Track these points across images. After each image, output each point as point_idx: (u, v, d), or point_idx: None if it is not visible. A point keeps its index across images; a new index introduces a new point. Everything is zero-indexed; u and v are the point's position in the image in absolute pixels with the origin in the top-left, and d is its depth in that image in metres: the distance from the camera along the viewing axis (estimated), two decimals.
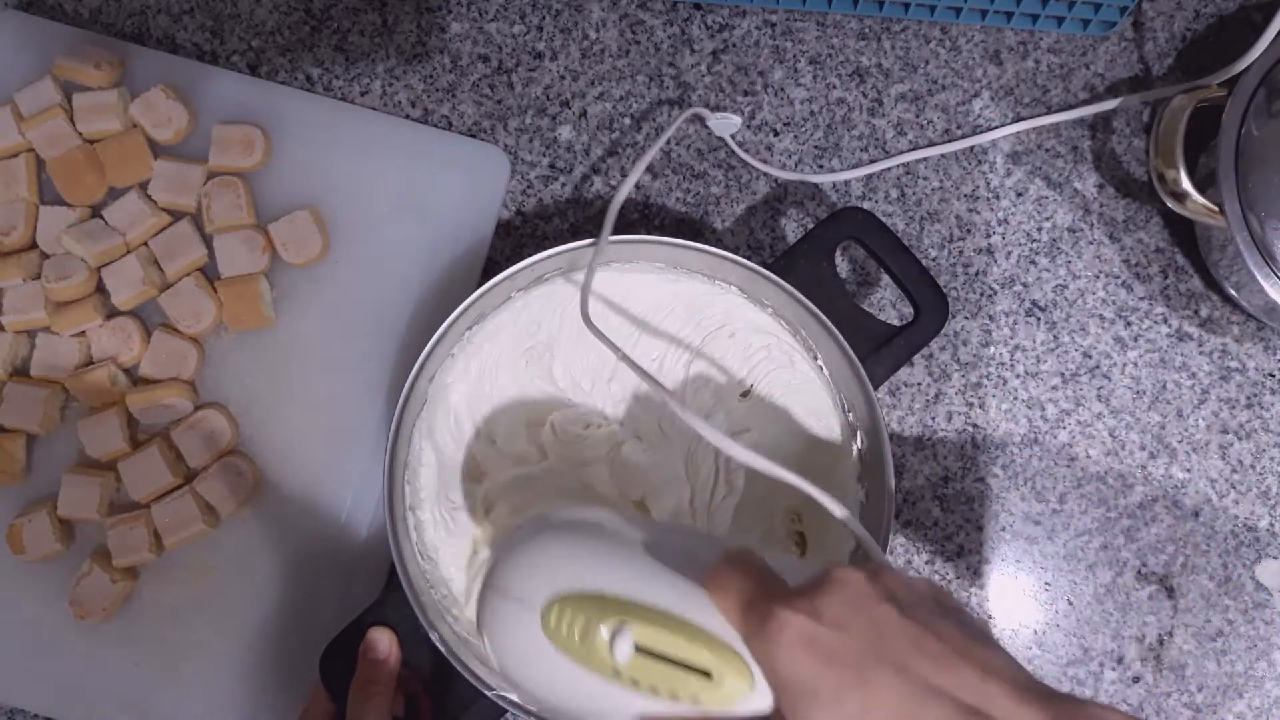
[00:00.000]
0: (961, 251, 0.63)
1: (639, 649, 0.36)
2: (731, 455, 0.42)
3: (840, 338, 0.52)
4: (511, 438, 0.56)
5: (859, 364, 0.52)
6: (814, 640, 0.33)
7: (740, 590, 0.35)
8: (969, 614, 0.36)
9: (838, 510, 0.40)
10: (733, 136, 0.63)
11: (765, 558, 0.37)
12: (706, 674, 0.35)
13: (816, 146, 0.64)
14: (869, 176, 0.63)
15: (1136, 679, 0.60)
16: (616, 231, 0.63)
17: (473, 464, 0.56)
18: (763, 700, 0.35)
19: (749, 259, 0.53)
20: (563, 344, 0.57)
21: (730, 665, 0.35)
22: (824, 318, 0.53)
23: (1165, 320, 0.62)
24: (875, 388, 0.52)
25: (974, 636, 0.33)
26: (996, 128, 0.64)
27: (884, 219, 0.56)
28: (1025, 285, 0.63)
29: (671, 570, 0.37)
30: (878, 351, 0.55)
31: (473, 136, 0.64)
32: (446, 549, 0.55)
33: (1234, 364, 0.62)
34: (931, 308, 0.55)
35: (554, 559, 0.39)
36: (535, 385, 0.57)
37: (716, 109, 0.64)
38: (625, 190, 0.53)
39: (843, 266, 0.63)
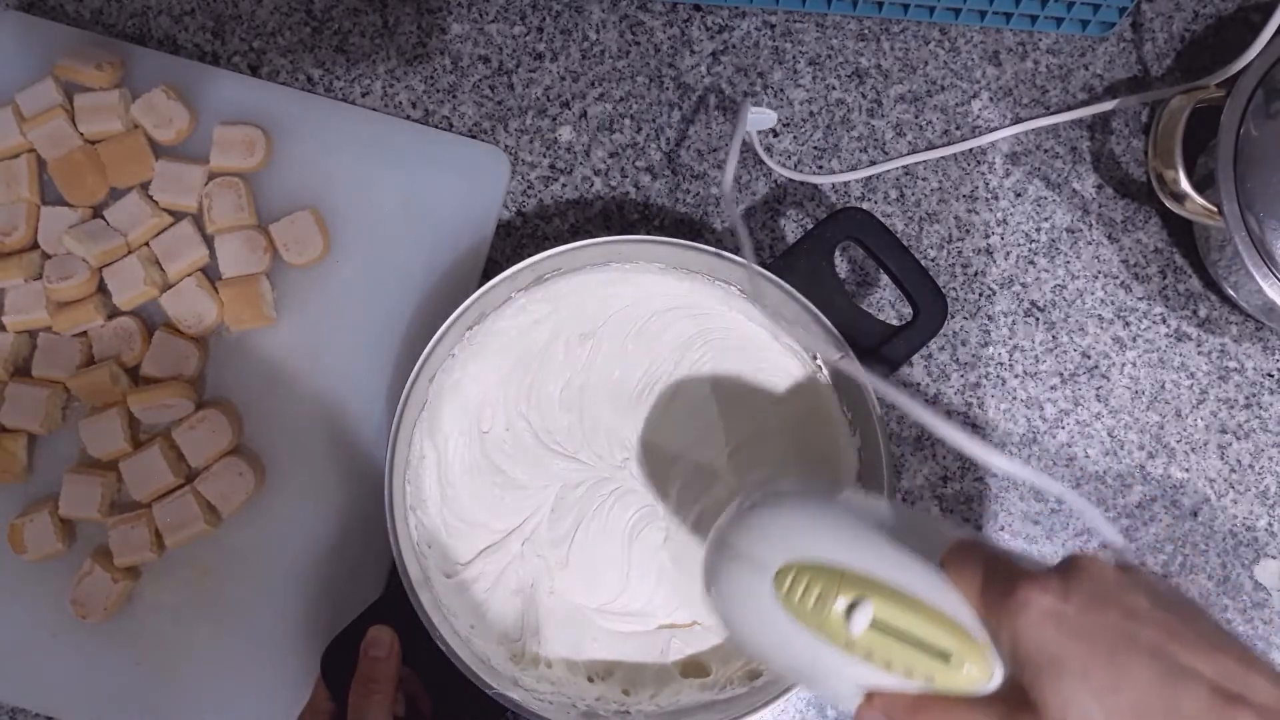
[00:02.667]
0: (960, 252, 0.63)
1: (876, 624, 0.36)
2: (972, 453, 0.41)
3: (840, 337, 0.53)
4: (514, 435, 0.57)
5: (860, 365, 0.52)
6: (1061, 616, 0.33)
7: (979, 571, 0.36)
8: (1219, 621, 0.36)
9: (1114, 537, 0.40)
10: (767, 153, 0.63)
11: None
12: (945, 656, 0.36)
13: (816, 147, 0.64)
14: (868, 177, 0.64)
15: None
16: (617, 233, 0.63)
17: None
18: (995, 684, 0.36)
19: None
20: (565, 343, 0.57)
21: (970, 649, 0.36)
22: (823, 317, 0.53)
23: (1164, 320, 0.62)
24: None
25: (1224, 633, 0.33)
26: (995, 129, 0.64)
27: (883, 219, 0.56)
28: (1024, 285, 0.63)
29: (908, 550, 0.38)
30: (877, 351, 0.55)
31: (473, 137, 0.64)
32: (449, 550, 0.55)
33: (1232, 364, 0.62)
34: (930, 308, 0.55)
35: (790, 527, 0.40)
36: (537, 384, 0.57)
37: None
38: (730, 175, 0.54)
39: (841, 266, 0.63)
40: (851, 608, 0.37)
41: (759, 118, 0.62)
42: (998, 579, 0.35)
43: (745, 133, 0.62)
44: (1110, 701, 0.31)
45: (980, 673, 0.35)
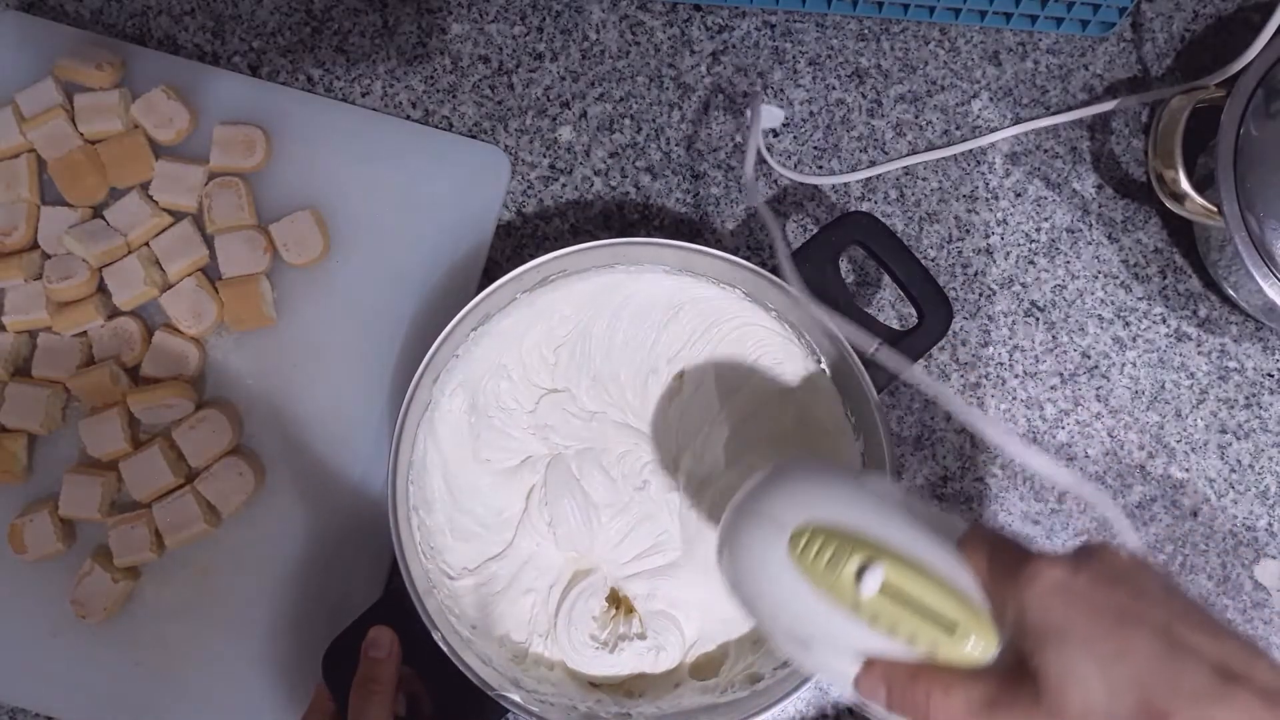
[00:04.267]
0: (960, 252, 0.63)
1: (885, 589, 0.37)
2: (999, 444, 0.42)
3: (844, 342, 0.53)
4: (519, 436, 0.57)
5: (863, 369, 0.52)
6: (1068, 589, 0.33)
7: (993, 546, 0.36)
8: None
9: (1132, 538, 0.41)
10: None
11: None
12: (951, 627, 0.36)
13: (816, 147, 0.64)
14: (869, 177, 0.64)
15: None
16: (616, 233, 0.63)
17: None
18: (990, 660, 0.36)
19: (749, 259, 0.54)
20: (568, 342, 0.57)
21: (976, 623, 0.36)
22: (828, 322, 0.53)
23: (1164, 320, 0.62)
24: (878, 392, 0.53)
25: (1232, 627, 0.34)
26: (995, 129, 0.64)
27: (883, 220, 0.56)
28: (1024, 285, 0.63)
29: (923, 525, 0.38)
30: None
31: (473, 137, 0.64)
32: (453, 552, 0.55)
33: (1232, 364, 0.62)
34: (935, 313, 0.55)
35: (811, 490, 0.40)
36: (540, 385, 0.57)
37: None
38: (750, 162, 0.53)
39: (843, 267, 0.63)
40: (863, 571, 0.37)
41: (769, 114, 0.62)
42: (1009, 557, 0.36)
43: (764, 129, 0.62)
44: (1112, 672, 0.31)
45: (983, 647, 0.36)
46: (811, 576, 0.38)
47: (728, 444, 0.56)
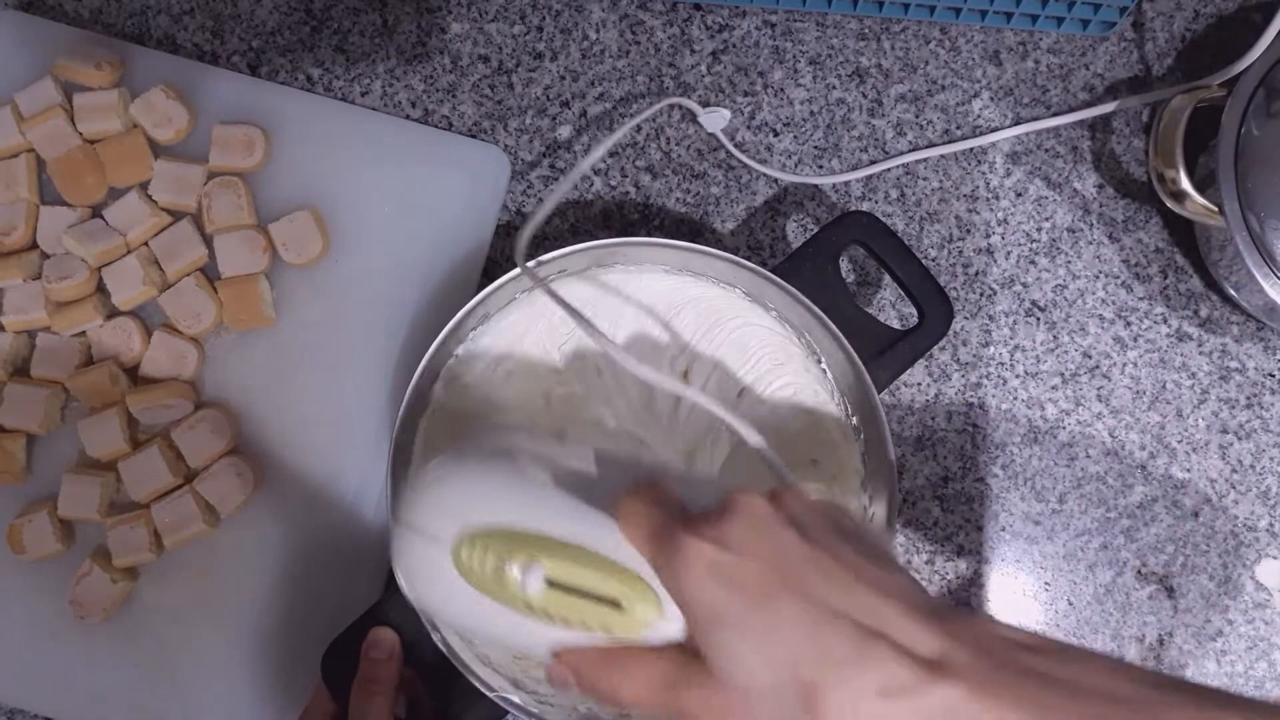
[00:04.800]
0: (961, 252, 0.63)
1: (551, 583, 0.36)
2: (671, 390, 0.42)
3: (845, 342, 0.53)
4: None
5: (863, 369, 0.52)
6: (719, 568, 0.34)
7: (648, 519, 0.37)
8: (869, 534, 0.37)
9: (752, 437, 0.41)
10: (730, 136, 0.63)
11: (681, 476, 0.38)
12: (616, 604, 0.36)
13: (816, 147, 0.64)
14: (869, 177, 0.64)
15: None
16: (616, 233, 0.63)
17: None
18: (673, 626, 0.36)
19: (749, 259, 0.53)
20: (568, 342, 0.57)
21: (639, 594, 0.36)
22: (829, 322, 0.53)
23: (1165, 320, 0.62)
24: (879, 391, 0.52)
25: (871, 558, 0.35)
26: (996, 128, 0.64)
27: (884, 219, 0.56)
28: (1025, 285, 0.63)
29: (580, 502, 0.38)
30: (881, 355, 0.55)
31: (473, 137, 0.64)
32: None
33: (1234, 364, 0.62)
34: (936, 313, 0.55)
35: (462, 494, 0.39)
36: (541, 385, 0.57)
37: (709, 105, 0.64)
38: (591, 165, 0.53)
39: (843, 267, 0.63)
40: (526, 571, 0.37)
41: (712, 118, 0.62)
42: (666, 527, 0.36)
43: (715, 133, 0.63)
44: (766, 650, 0.32)
45: (650, 611, 0.36)
46: (482, 588, 0.37)
47: (736, 447, 0.56)
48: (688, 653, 0.35)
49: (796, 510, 0.36)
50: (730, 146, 0.63)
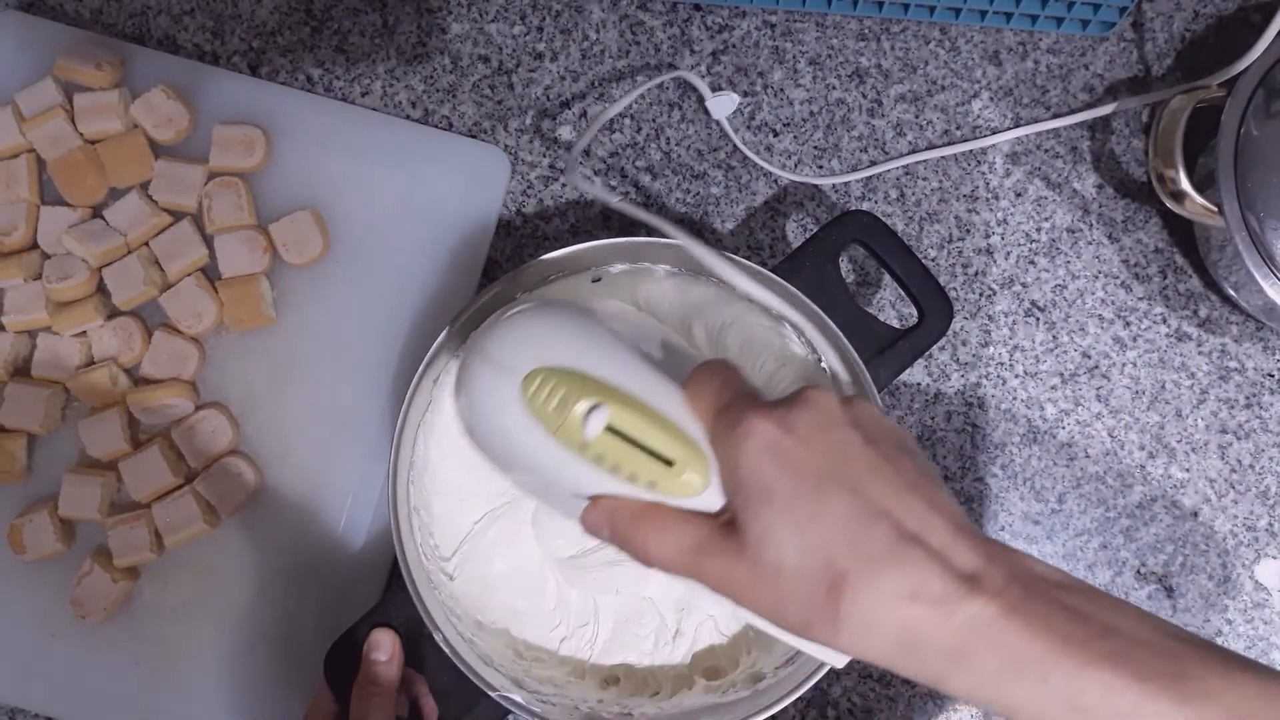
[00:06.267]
0: (961, 252, 0.63)
1: (610, 429, 0.38)
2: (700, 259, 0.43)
3: (845, 342, 0.53)
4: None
5: (864, 368, 0.52)
6: (778, 448, 0.34)
7: (716, 395, 0.37)
8: (927, 459, 0.38)
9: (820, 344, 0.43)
10: (736, 134, 0.64)
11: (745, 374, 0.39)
12: (668, 463, 0.37)
13: (816, 147, 0.64)
14: (869, 177, 0.64)
15: None
16: (616, 233, 0.63)
17: None
18: (715, 499, 0.37)
19: (749, 259, 0.54)
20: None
21: (693, 458, 0.37)
22: (829, 322, 0.53)
23: (1164, 320, 0.62)
24: (879, 391, 0.53)
25: (928, 477, 0.35)
26: (996, 129, 0.64)
27: (884, 219, 0.56)
28: (1024, 285, 0.63)
29: (655, 367, 0.40)
30: (881, 355, 0.55)
31: (473, 137, 0.64)
32: (455, 550, 0.55)
33: (1233, 364, 0.62)
34: (936, 312, 0.55)
35: (542, 333, 0.41)
36: None
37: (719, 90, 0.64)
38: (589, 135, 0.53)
39: (843, 267, 0.63)
40: (590, 412, 0.38)
41: (721, 102, 0.62)
42: (731, 406, 0.37)
43: (720, 120, 0.63)
44: (806, 535, 0.33)
45: (699, 477, 0.37)
46: (542, 419, 0.38)
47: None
48: (722, 525, 0.36)
49: (865, 418, 0.36)
50: (731, 133, 0.63)
